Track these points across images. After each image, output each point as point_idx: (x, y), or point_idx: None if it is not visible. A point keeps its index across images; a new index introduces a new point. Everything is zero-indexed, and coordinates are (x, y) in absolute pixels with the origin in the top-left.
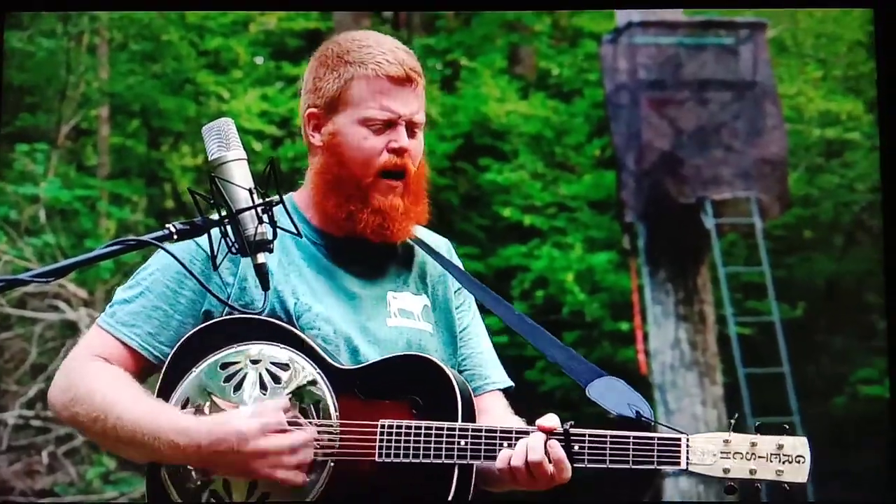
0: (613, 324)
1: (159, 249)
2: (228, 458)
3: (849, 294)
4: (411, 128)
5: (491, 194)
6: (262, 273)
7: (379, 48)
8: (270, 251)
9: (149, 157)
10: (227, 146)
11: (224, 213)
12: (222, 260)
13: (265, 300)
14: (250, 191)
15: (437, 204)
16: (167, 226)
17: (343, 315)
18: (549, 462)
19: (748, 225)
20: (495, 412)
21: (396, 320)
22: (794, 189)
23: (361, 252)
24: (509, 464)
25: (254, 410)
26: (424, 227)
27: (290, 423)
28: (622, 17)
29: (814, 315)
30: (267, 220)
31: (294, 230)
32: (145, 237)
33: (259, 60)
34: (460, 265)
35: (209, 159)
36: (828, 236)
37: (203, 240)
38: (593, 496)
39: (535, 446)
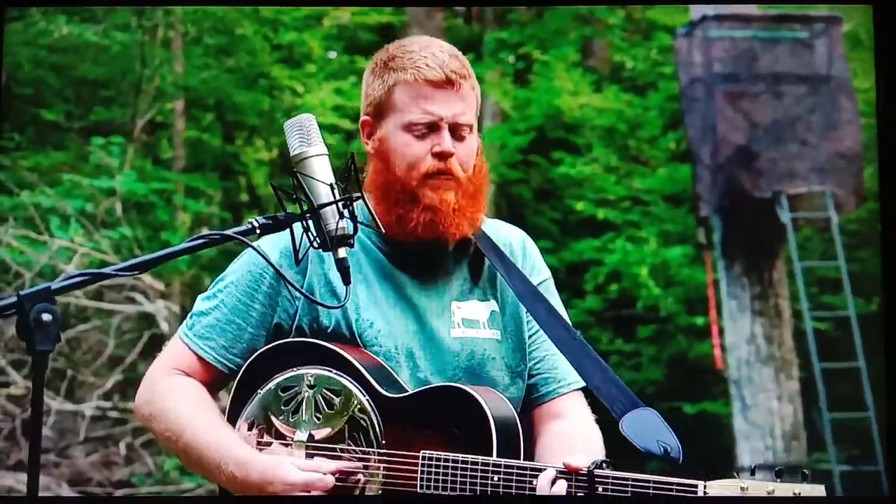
0: (688, 318)
1: (240, 254)
2: (273, 499)
3: None
4: (457, 130)
5: (564, 188)
6: (343, 267)
7: (421, 53)
8: (351, 246)
9: (223, 150)
10: (308, 142)
11: (306, 208)
12: (304, 255)
13: (346, 295)
14: (331, 186)
15: (510, 197)
16: (250, 221)
17: (405, 328)
18: None
19: (824, 219)
20: (575, 417)
21: (460, 331)
22: (869, 183)
23: (427, 258)
24: None
25: (307, 464)
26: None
27: (341, 451)
28: (696, 10)
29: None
30: (348, 216)
31: (374, 225)
32: (229, 231)
33: (332, 55)
34: (535, 259)
35: (291, 154)
36: None
37: (272, 251)
38: None
39: (559, 492)
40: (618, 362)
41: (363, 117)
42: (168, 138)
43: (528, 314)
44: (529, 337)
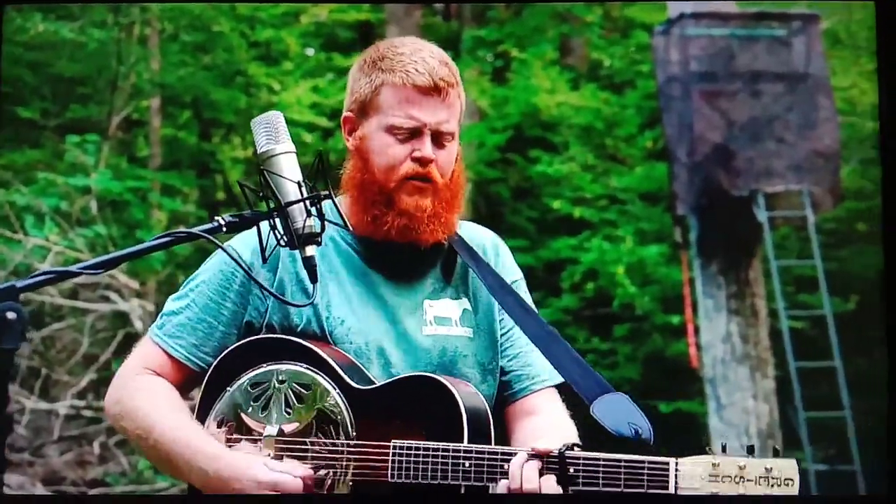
0: (664, 317)
1: (213, 253)
2: (243, 496)
3: None
4: (439, 137)
5: (541, 186)
6: (310, 265)
7: (411, 56)
8: (319, 244)
9: (200, 148)
10: (275, 139)
11: (273, 205)
12: (271, 252)
13: (314, 293)
14: (299, 184)
15: (487, 196)
16: (216, 218)
17: (377, 325)
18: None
19: (800, 218)
20: (549, 413)
21: (432, 328)
22: (846, 182)
23: (400, 257)
24: (508, 490)
25: (278, 466)
26: (473, 220)
27: (311, 444)
28: (674, 8)
29: (866, 308)
30: (315, 213)
31: (342, 223)
32: (195, 230)
33: (310, 52)
34: (507, 260)
35: (258, 152)
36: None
37: (244, 250)
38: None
39: (530, 477)
40: (594, 361)
41: (346, 113)
42: (144, 136)
43: (502, 312)
44: (503, 335)
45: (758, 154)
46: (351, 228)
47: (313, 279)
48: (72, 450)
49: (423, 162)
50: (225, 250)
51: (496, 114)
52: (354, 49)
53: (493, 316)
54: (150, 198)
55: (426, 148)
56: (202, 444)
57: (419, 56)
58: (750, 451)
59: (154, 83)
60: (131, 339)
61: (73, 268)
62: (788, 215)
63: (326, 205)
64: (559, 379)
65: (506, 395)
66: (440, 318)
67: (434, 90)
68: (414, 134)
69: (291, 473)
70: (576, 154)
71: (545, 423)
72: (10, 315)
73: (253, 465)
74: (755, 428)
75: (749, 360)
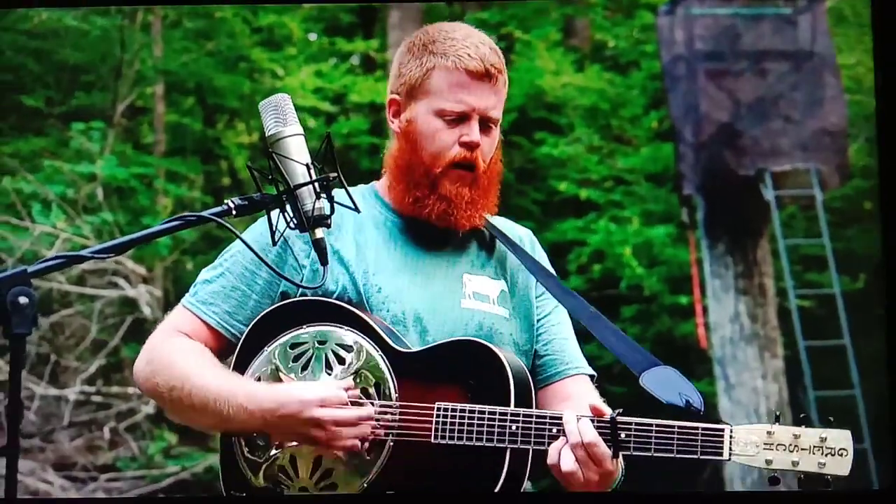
0: (672, 298)
1: (254, 223)
2: (289, 422)
3: None
4: (486, 122)
5: (546, 168)
6: (319, 248)
7: (463, 42)
8: (328, 227)
9: (204, 134)
10: (284, 122)
11: (282, 188)
12: (280, 236)
13: (324, 275)
14: (307, 166)
15: None
16: (226, 201)
17: (415, 294)
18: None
19: (808, 197)
20: (583, 398)
21: (470, 302)
22: (854, 160)
23: (440, 235)
24: (559, 453)
25: (318, 384)
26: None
27: (351, 403)
28: None
29: (875, 287)
30: (325, 196)
31: (352, 206)
32: (205, 213)
33: (313, 36)
34: (544, 257)
35: (266, 135)
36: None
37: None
38: (647, 480)
39: (586, 430)
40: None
41: (392, 95)
42: (148, 123)
43: (539, 298)
44: (538, 320)
45: (764, 133)
46: (360, 211)
47: (323, 261)
48: (82, 435)
49: (470, 146)
50: (238, 236)
51: None
52: (356, 33)
53: (529, 301)
54: (156, 184)
55: (474, 133)
56: (242, 383)
57: (471, 41)
58: (803, 420)
59: (157, 70)
60: (139, 325)
61: (84, 252)
62: (796, 194)
63: (339, 192)
64: (592, 371)
65: (539, 378)
66: (478, 293)
67: (485, 76)
68: (462, 118)
69: (333, 385)
70: (581, 135)
71: (581, 408)
72: (23, 300)
73: (294, 387)
74: (764, 408)
75: (758, 339)
